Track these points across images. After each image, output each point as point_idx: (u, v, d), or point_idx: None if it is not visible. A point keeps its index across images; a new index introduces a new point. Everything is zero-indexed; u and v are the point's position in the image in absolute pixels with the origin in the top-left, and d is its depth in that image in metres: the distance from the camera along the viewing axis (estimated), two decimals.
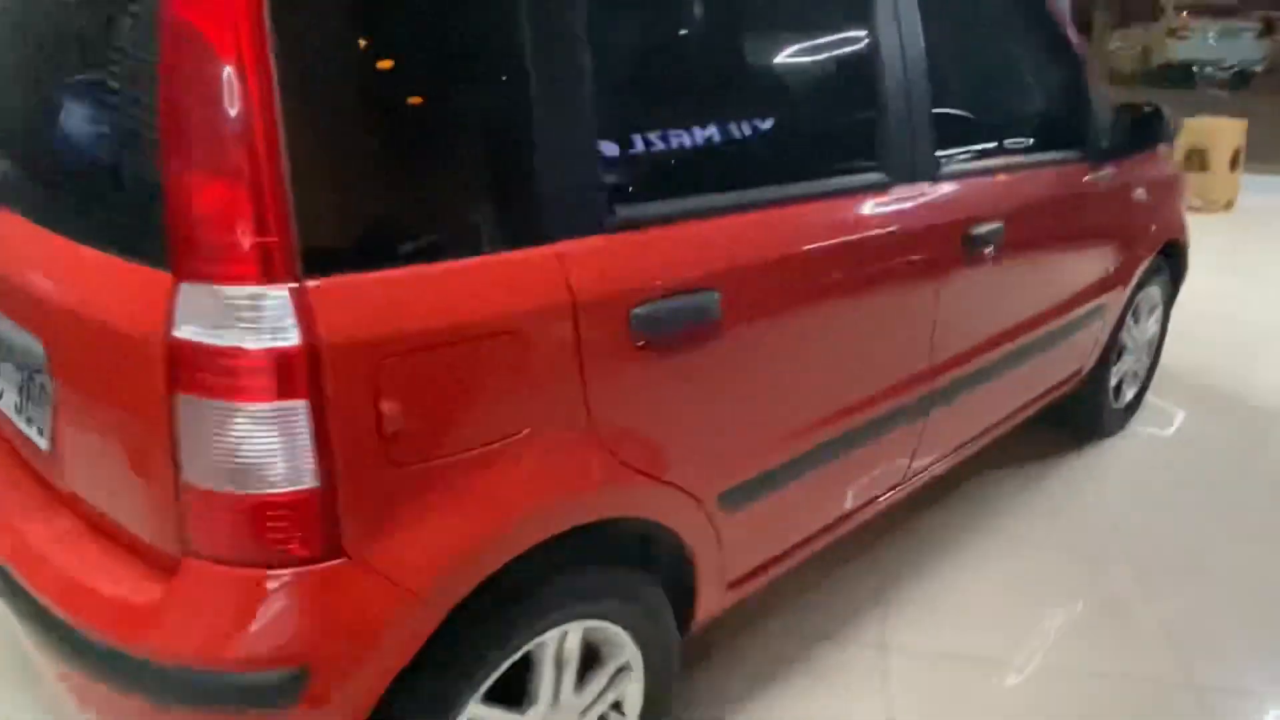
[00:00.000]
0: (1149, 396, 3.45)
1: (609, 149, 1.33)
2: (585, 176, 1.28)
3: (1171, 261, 3.20)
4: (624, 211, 1.35)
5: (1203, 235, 6.15)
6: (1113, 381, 3.09)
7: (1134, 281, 2.84)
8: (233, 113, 1.00)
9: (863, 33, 1.78)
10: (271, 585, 1.10)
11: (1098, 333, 2.77)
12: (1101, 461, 3.07)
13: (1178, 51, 18.10)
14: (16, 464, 1.50)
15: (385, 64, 1.14)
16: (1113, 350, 2.96)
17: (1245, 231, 6.37)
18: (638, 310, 1.33)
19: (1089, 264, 2.56)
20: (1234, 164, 6.76)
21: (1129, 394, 3.25)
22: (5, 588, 1.31)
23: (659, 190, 1.43)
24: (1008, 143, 2.25)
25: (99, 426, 1.24)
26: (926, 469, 2.23)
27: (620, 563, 1.51)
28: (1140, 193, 2.73)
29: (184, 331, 1.05)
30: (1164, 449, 3.18)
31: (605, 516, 1.38)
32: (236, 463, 1.07)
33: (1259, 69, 18.06)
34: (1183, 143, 6.82)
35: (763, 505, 1.70)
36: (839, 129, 1.78)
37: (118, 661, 1.16)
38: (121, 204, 1.17)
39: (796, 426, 1.70)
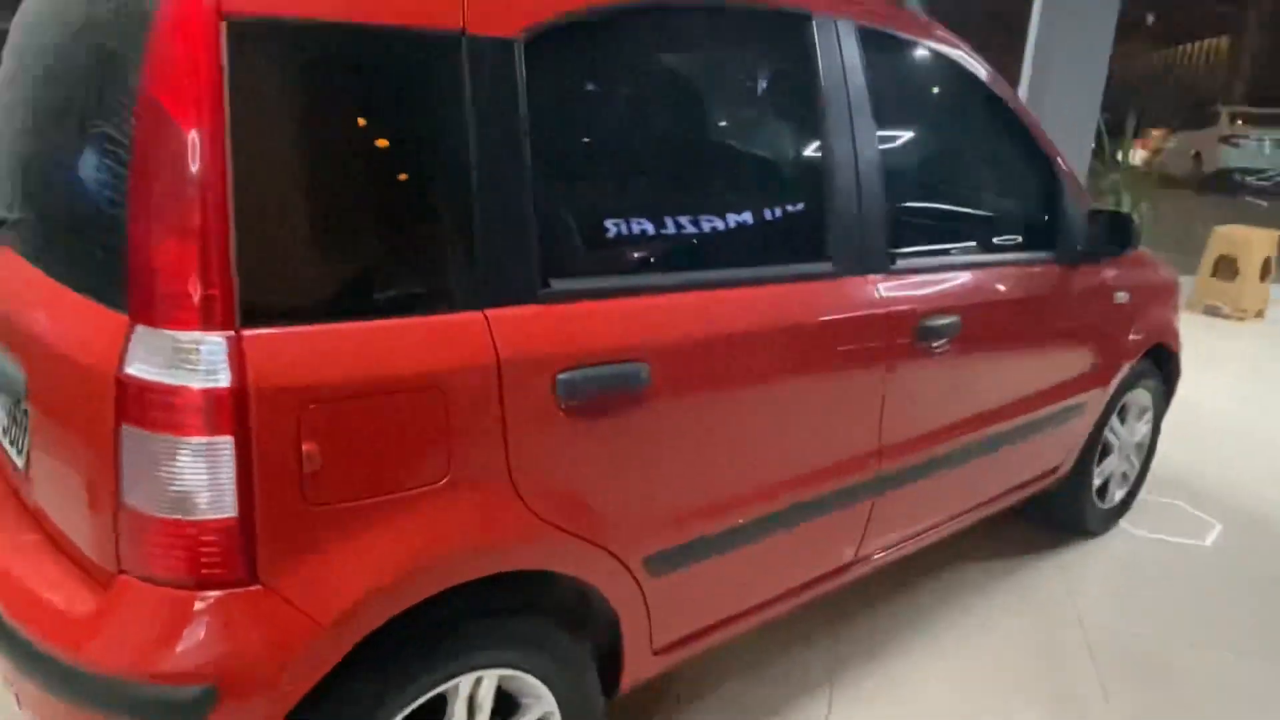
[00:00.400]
0: (1145, 496, 3.45)
1: (547, 228, 1.45)
2: (518, 252, 1.41)
3: (1163, 366, 3.23)
4: (558, 285, 1.46)
5: (1231, 343, 6.17)
6: (1097, 482, 3.10)
7: (1115, 383, 2.87)
8: (188, 181, 1.14)
9: (812, 128, 1.90)
10: (189, 606, 1.21)
11: (1075, 431, 2.81)
12: (1081, 560, 3.06)
13: (1231, 158, 18.06)
14: (2, 482, 1.64)
15: (329, 144, 1.28)
16: (1094, 450, 2.98)
17: (1276, 341, 6.31)
18: (563, 375, 1.44)
19: (1061, 362, 2.61)
20: (1264, 273, 6.72)
21: (1117, 495, 3.25)
22: None
23: (594, 267, 1.56)
24: (970, 241, 2.34)
25: (60, 450, 1.37)
26: (880, 553, 2.27)
27: (544, 617, 1.58)
28: (1121, 296, 2.79)
29: (132, 369, 1.18)
30: (1146, 552, 3.16)
31: (521, 568, 1.47)
32: (167, 490, 1.18)
33: None
34: (1212, 250, 6.84)
35: (692, 573, 1.77)
36: (784, 220, 1.89)
37: (52, 667, 1.26)
38: (95, 251, 1.32)
39: (728, 499, 1.77)
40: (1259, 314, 6.84)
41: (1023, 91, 6.47)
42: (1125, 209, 6.77)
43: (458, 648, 1.43)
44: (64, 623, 1.28)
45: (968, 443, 2.33)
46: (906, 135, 2.21)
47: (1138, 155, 7.34)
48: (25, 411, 1.47)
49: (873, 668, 2.42)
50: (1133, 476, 3.32)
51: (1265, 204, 15.45)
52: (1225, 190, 17.51)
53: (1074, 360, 2.67)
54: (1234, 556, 3.16)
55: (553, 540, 1.49)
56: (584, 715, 1.66)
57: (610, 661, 1.76)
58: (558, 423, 1.45)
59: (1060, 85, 6.13)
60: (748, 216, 1.80)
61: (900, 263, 2.05)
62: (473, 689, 1.49)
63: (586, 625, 1.71)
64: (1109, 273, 2.74)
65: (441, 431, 1.33)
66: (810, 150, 1.92)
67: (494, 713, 1.55)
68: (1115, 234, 2.54)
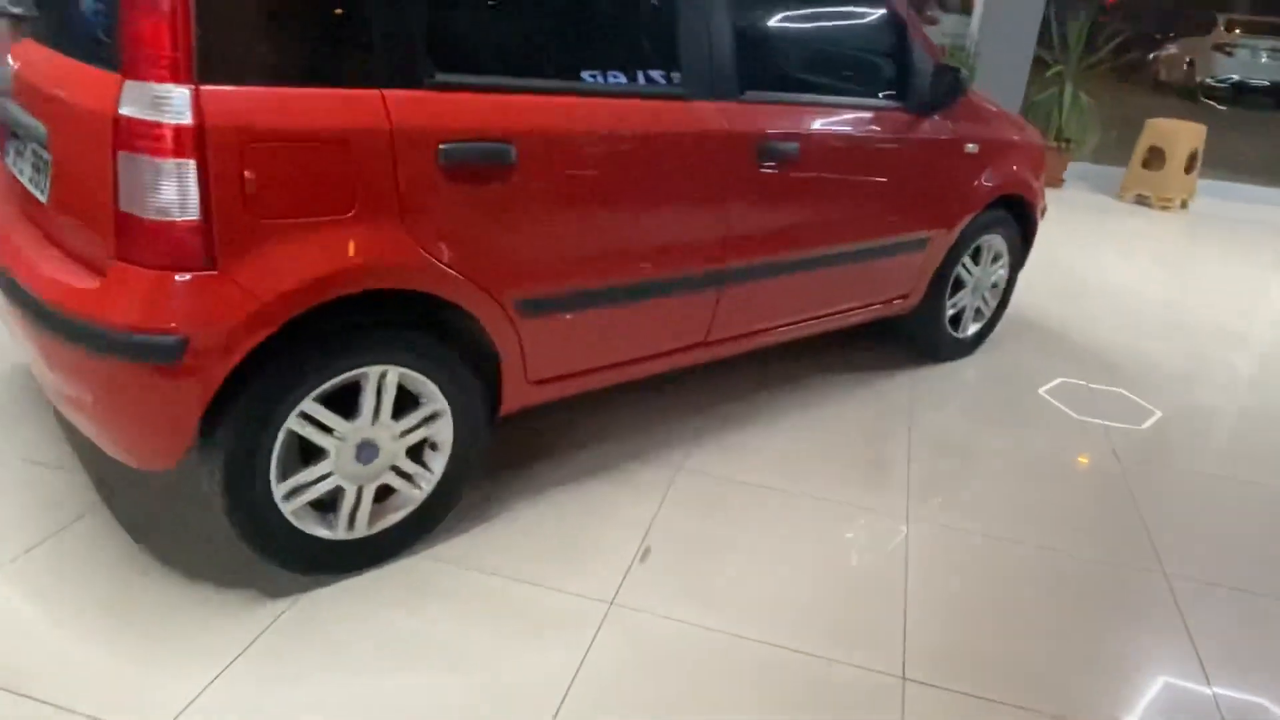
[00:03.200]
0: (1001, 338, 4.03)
1: (436, 30, 1.93)
2: (410, 47, 1.89)
3: (1021, 218, 3.73)
4: (443, 76, 1.96)
5: (1155, 228, 6.66)
6: (950, 312, 3.65)
7: (961, 224, 3.38)
8: None
9: None
10: (168, 281, 1.75)
11: (919, 263, 3.33)
12: (932, 377, 3.64)
13: (1223, 66, 18.05)
14: (28, 217, 2.17)
15: None
16: (944, 284, 3.51)
17: (1195, 229, 6.78)
18: (444, 146, 1.95)
19: (904, 199, 3.11)
20: (1190, 165, 7.15)
21: (970, 328, 3.80)
22: (4, 282, 1.98)
23: (475, 66, 2.05)
24: (818, 86, 2.82)
25: (73, 180, 1.89)
26: (730, 338, 2.83)
27: (438, 336, 2.13)
28: (971, 147, 3.28)
29: (124, 110, 1.69)
30: (985, 377, 3.73)
31: (413, 288, 2.01)
32: (151, 197, 1.71)
33: None
34: (1143, 142, 7.24)
35: (561, 321, 2.32)
36: (644, 45, 2.36)
37: (70, 325, 1.81)
38: (97, 31, 1.81)
39: (588, 265, 2.31)
40: (1183, 204, 7.30)
41: None
42: (1066, 97, 7.15)
43: (366, 344, 1.98)
44: (79, 294, 1.82)
45: (806, 255, 2.86)
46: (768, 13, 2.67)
47: (1103, 51, 7.59)
48: (46, 161, 1.98)
49: (736, 435, 3.01)
50: (988, 314, 3.87)
51: (1223, 108, 15.50)
52: (1208, 97, 17.60)
53: (917, 199, 3.17)
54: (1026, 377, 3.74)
55: (436, 271, 2.02)
56: (469, 418, 2.23)
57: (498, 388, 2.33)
58: (439, 182, 1.97)
59: None
60: (611, 38, 2.28)
61: (749, 94, 2.54)
62: (380, 380, 2.05)
63: (474, 351, 2.27)
64: (963, 127, 3.22)
65: (348, 176, 1.84)
66: (668, 15, 2.39)
67: (398, 405, 2.12)
68: (948, 85, 3.01)
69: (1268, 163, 10.29)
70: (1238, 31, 18.50)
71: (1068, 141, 7.47)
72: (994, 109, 3.52)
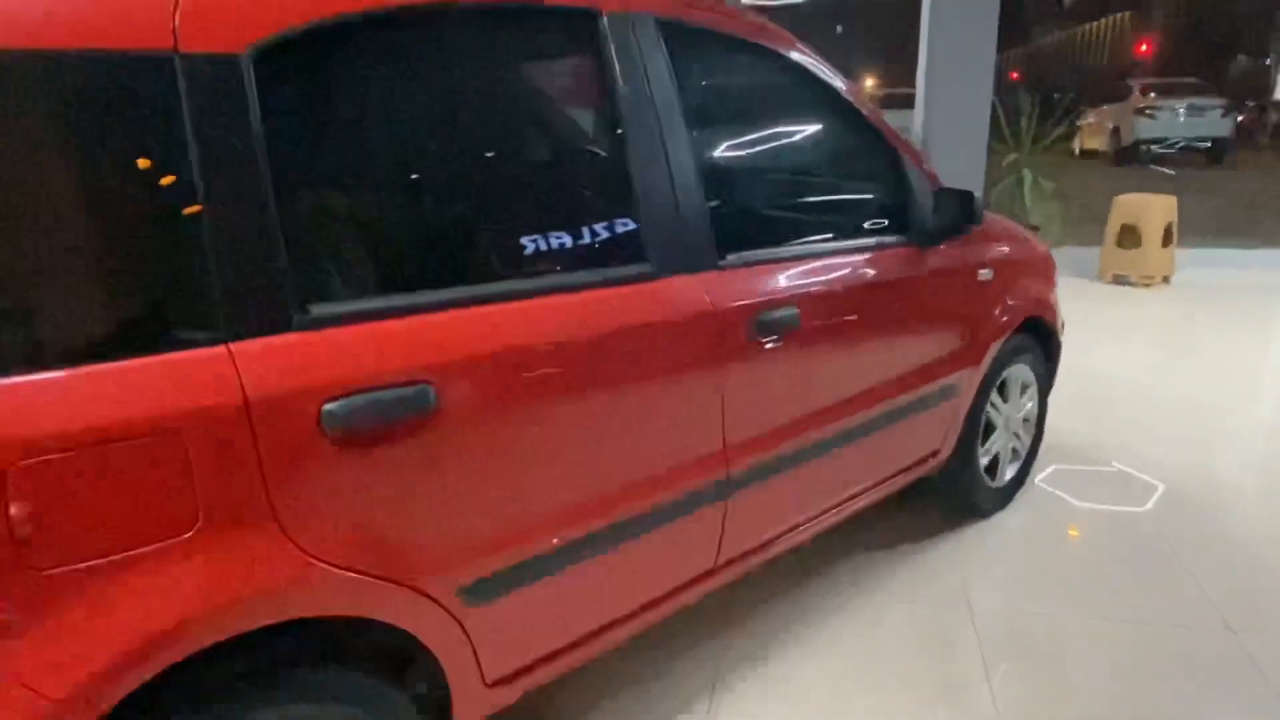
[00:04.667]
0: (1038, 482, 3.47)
1: (299, 250, 1.37)
2: (266, 275, 1.32)
3: (1042, 339, 3.23)
4: (318, 309, 1.38)
5: (1140, 310, 6.27)
6: (984, 461, 3.09)
7: (987, 360, 2.86)
8: None
9: (610, 130, 1.85)
10: None
11: (948, 413, 2.78)
12: (977, 540, 3.04)
13: (1146, 129, 18.47)
14: None
15: (39, 174, 1.16)
16: (976, 430, 2.96)
17: (1180, 307, 6.41)
18: (329, 406, 1.35)
19: (922, 346, 2.58)
20: (1167, 239, 6.85)
21: (1008, 473, 3.24)
22: None
23: (362, 287, 1.48)
24: (809, 233, 2.30)
25: None
26: (747, 554, 2.22)
27: (350, 665, 1.50)
28: (985, 273, 2.78)
29: None
30: (1044, 530, 3.15)
31: (303, 616, 1.38)
32: None
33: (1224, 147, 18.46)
34: (1114, 220, 6.95)
35: (522, 597, 1.69)
36: (589, 218, 1.82)
37: None
38: None
39: (551, 518, 1.70)
40: (1165, 279, 6.96)
41: (920, 80, 6.56)
42: (1026, 186, 6.87)
43: (245, 704, 1.34)
44: None
45: (824, 435, 2.29)
46: (732, 134, 2.17)
47: (1055, 132, 7.40)
48: None
49: (757, 671, 2.36)
50: (1024, 452, 3.32)
51: (1173, 172, 15.85)
52: (1136, 161, 17.98)
53: (937, 342, 2.64)
54: (1129, 529, 3.16)
55: (336, 582, 1.40)
56: None
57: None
58: (327, 456, 1.37)
59: (952, 73, 6.27)
60: (551, 212, 1.74)
61: (730, 258, 2.01)
62: None
63: (407, 667, 1.63)
64: (971, 251, 2.73)
65: (182, 478, 1.24)
66: (609, 154, 1.87)
67: None
68: (960, 211, 2.52)
69: (1222, 221, 10.18)
70: (1153, 95, 19.08)
71: (1035, 229, 7.16)
72: (993, 221, 3.05)
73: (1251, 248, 7.75)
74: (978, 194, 2.54)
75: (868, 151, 2.50)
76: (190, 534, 1.25)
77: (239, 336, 1.30)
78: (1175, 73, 20.43)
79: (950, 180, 4.83)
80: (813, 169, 2.48)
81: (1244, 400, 4.41)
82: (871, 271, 2.35)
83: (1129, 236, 6.86)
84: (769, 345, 2.04)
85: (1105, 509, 3.26)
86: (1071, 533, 3.09)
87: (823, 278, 2.21)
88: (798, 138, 2.43)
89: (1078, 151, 20.96)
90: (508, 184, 1.72)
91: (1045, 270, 3.19)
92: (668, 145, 1.89)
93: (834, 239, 2.34)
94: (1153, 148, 18.32)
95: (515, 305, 1.62)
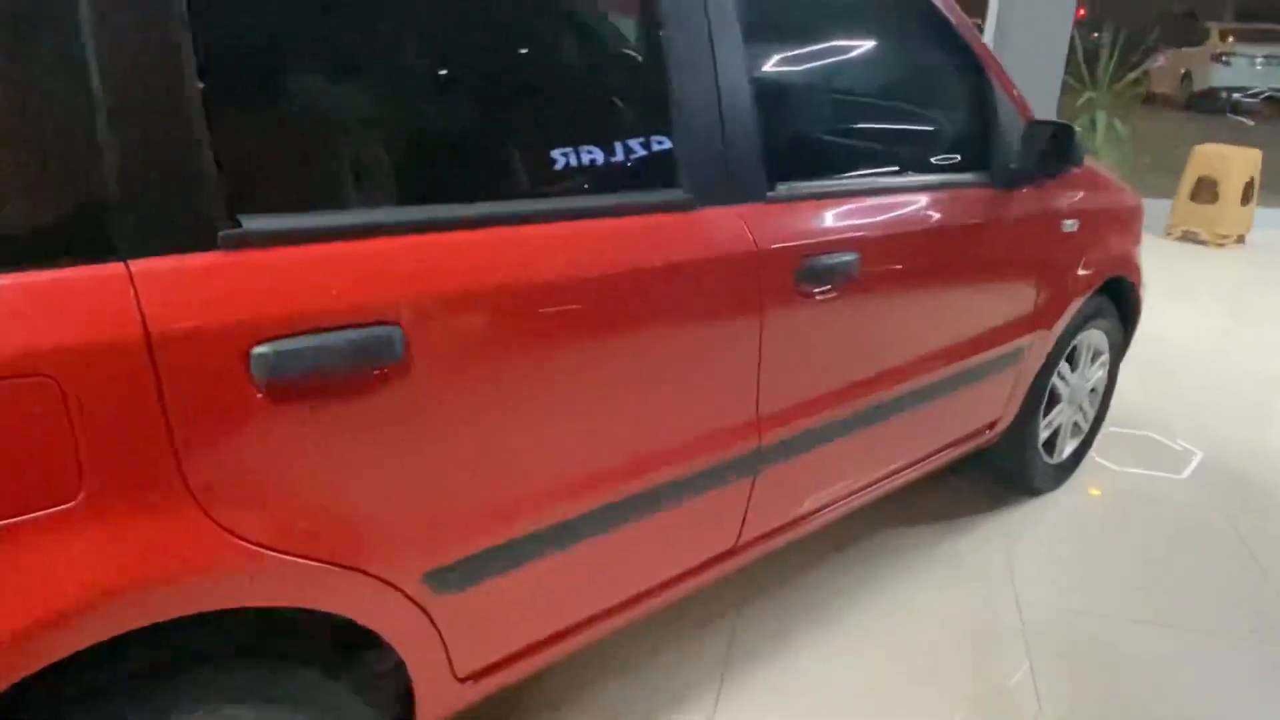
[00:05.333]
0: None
1: (228, 143, 1.05)
2: (181, 174, 1.01)
3: (1120, 303, 2.87)
4: (253, 223, 1.07)
5: (1211, 271, 5.81)
6: (1044, 435, 2.76)
7: (1062, 324, 2.51)
8: None
9: (646, 29, 1.49)
10: None
11: (1013, 380, 2.45)
12: (1023, 521, 2.74)
13: (1221, 77, 17.43)
14: None
15: None
16: (1039, 400, 2.63)
17: (1258, 269, 5.94)
18: (260, 349, 1.06)
19: (994, 303, 2.24)
20: (1247, 196, 6.33)
21: (1067, 449, 2.91)
22: None
23: (313, 197, 1.16)
24: (876, 165, 1.95)
25: None
26: (771, 535, 1.93)
27: (291, 659, 1.24)
28: (1069, 224, 2.41)
29: None
30: (1100, 512, 2.83)
31: (221, 607, 1.11)
32: None
33: None
34: (1191, 172, 6.43)
35: (505, 582, 1.42)
36: (613, 139, 1.48)
37: None
38: None
39: (541, 492, 1.41)
40: (1240, 239, 6.46)
41: (991, 13, 6.01)
42: (1100, 128, 6.35)
43: (152, 708, 1.08)
44: None
45: (874, 403, 1.97)
46: (790, 40, 1.80)
47: (1134, 74, 6.82)
48: None
49: (772, 660, 2.10)
50: (1086, 427, 2.98)
51: (1252, 122, 14.98)
52: (1213, 110, 17.02)
53: (1009, 301, 2.29)
54: (1190, 513, 2.84)
55: (267, 566, 1.12)
56: None
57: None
58: (256, 411, 1.08)
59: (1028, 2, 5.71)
60: (549, 132, 1.40)
61: (780, 188, 1.67)
62: None
63: (357, 660, 1.38)
64: (1055, 197, 2.36)
65: (59, 434, 0.95)
66: (642, 51, 1.52)
67: None
68: (1055, 150, 2.14)
69: None
70: (1232, 40, 17.94)
71: None
72: (1084, 165, 2.66)
73: None
74: (1077, 134, 2.15)
75: (951, 70, 2.11)
76: (71, 504, 0.97)
77: (141, 254, 1.00)
78: (1258, 18, 19.18)
79: None
80: (884, 88, 2.10)
81: None
82: (945, 215, 1.99)
83: (1205, 190, 6.34)
84: (820, 296, 1.71)
85: (1154, 479, 2.93)
86: (1119, 510, 2.78)
87: (888, 217, 1.86)
88: (868, 50, 2.04)
89: (1145, 96, 19.91)
90: (504, 77, 1.37)
91: (1134, 224, 2.81)
92: (716, 47, 1.53)
93: (904, 173, 1.98)
94: (1235, 95, 17.30)
95: (513, 231, 1.30)
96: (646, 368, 1.47)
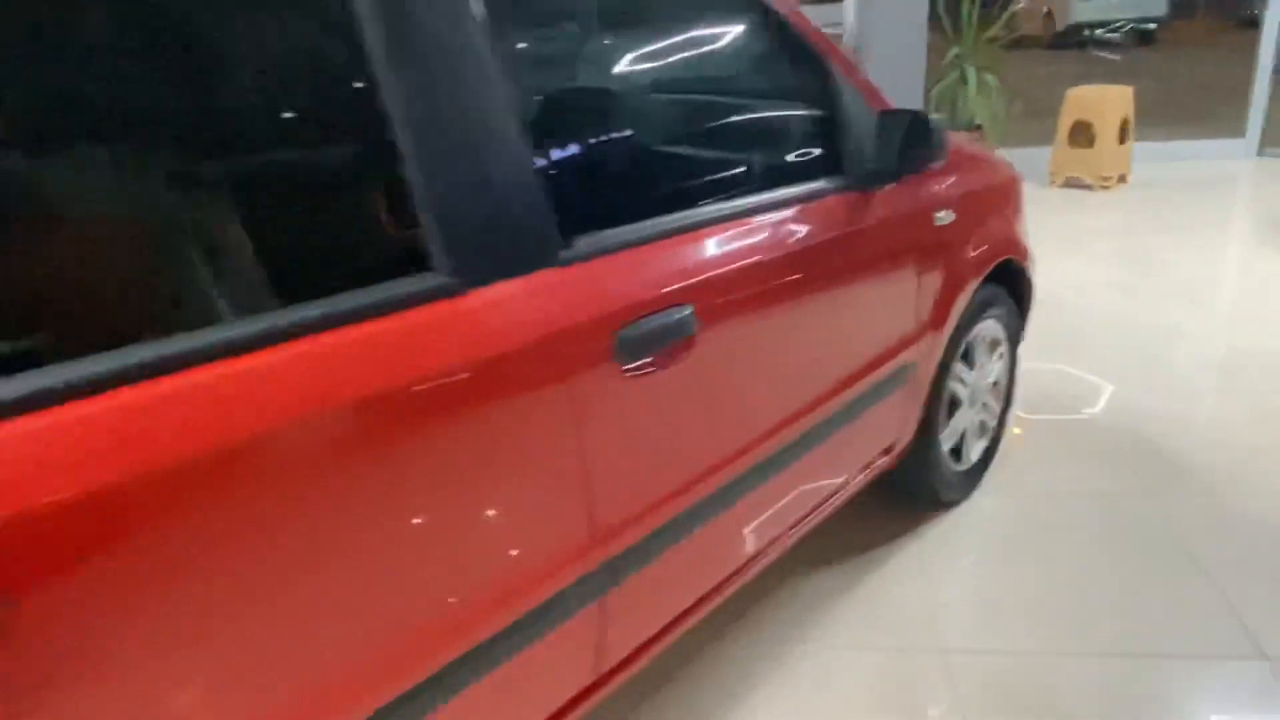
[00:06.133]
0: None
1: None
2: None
3: (1011, 285, 2.63)
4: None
5: (1097, 215, 5.71)
6: (948, 444, 2.50)
7: (950, 326, 2.24)
8: None
9: (347, 41, 1.13)
10: None
11: (906, 397, 2.18)
12: (941, 542, 2.48)
13: (1082, 12, 17.72)
14: None
15: None
16: (937, 408, 2.37)
17: (1139, 210, 5.86)
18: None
19: (870, 320, 1.95)
20: (1123, 135, 6.27)
21: (975, 452, 2.66)
22: None
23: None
24: (703, 188, 1.62)
25: None
26: (644, 648, 1.60)
27: None
28: (942, 216, 2.14)
29: None
30: (1022, 516, 2.59)
31: None
32: None
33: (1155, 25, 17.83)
34: (1066, 117, 6.34)
35: None
36: (317, 217, 1.12)
37: None
38: None
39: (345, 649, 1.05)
40: (1122, 179, 6.41)
41: None
42: (970, 83, 6.21)
43: None
44: None
45: (744, 470, 1.66)
46: (570, 60, 1.47)
47: (1000, 20, 6.70)
48: None
49: None
50: (993, 424, 2.74)
51: (1118, 57, 15.29)
52: (1076, 45, 17.32)
53: (888, 313, 2.01)
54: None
55: None
56: None
57: None
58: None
59: None
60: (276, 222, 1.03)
61: (580, 245, 1.33)
62: None
63: None
64: (923, 189, 2.08)
65: None
66: (356, 102, 1.16)
67: None
68: (913, 142, 1.85)
69: (1166, 106, 9.64)
70: None
71: (978, 128, 6.52)
72: (952, 144, 2.39)
73: (1207, 138, 7.23)
74: (934, 122, 1.85)
75: (781, 64, 1.80)
76: None
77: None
78: None
79: (889, 82, 3.97)
80: (701, 98, 1.77)
81: (1220, 325, 3.89)
82: (796, 233, 1.68)
83: (1082, 134, 6.26)
84: (650, 367, 1.38)
85: (1084, 485, 2.72)
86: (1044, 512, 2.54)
87: (725, 251, 1.53)
88: (675, 55, 1.72)
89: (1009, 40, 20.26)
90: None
91: (1013, 199, 2.56)
92: (463, 76, 1.18)
93: (740, 194, 1.65)
94: (1097, 30, 17.65)
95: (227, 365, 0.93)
96: (423, 517, 1.12)
